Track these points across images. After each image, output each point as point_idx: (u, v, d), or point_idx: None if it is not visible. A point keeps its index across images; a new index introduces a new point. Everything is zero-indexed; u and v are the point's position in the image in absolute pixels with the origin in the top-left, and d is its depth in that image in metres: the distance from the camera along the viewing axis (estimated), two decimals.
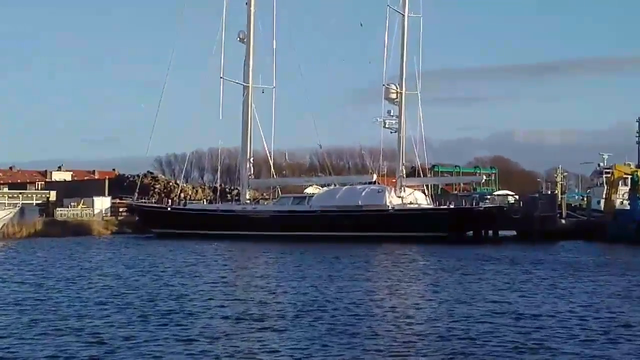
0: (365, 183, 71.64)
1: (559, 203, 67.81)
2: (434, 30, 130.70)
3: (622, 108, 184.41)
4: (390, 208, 66.63)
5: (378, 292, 29.22)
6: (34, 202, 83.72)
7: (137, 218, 77.02)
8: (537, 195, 68.24)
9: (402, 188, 70.78)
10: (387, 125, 72.22)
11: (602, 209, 65.67)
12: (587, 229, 63.65)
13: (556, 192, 70.09)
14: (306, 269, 37.70)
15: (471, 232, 67.10)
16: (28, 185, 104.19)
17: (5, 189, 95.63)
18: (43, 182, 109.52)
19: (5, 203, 73.88)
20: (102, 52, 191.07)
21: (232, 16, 73.63)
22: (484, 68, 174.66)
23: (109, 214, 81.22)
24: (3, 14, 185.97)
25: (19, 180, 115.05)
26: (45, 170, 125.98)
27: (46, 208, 79.67)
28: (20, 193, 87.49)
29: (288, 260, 43.24)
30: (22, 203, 77.90)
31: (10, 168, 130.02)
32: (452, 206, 67.11)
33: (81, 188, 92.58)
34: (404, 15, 72.10)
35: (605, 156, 68.84)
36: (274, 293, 28.25)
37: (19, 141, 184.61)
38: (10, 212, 66.08)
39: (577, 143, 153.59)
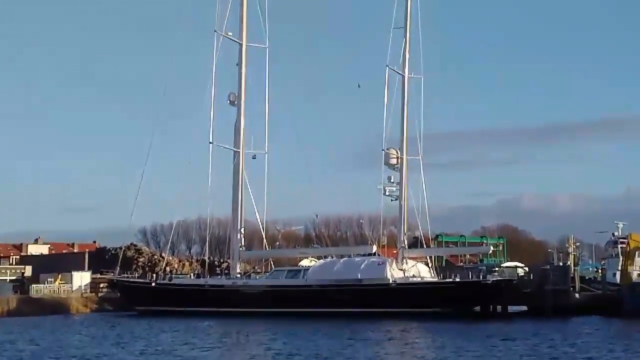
0: (364, 255, 67.80)
1: (572, 275, 63.81)
2: (436, 91, 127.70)
3: (632, 172, 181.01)
4: (391, 282, 63.18)
5: None
6: (8, 278, 79.48)
7: (119, 294, 72.35)
8: (548, 266, 64.26)
9: (404, 260, 67.15)
10: (387, 193, 68.54)
11: (618, 281, 61.66)
12: (602, 304, 59.71)
13: (569, 263, 66.17)
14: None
15: (479, 307, 63.03)
16: (1, 260, 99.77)
17: None
18: (18, 257, 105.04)
19: None
20: (82, 116, 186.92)
21: (222, 79, 70.04)
22: (489, 131, 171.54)
23: (88, 290, 76.76)
24: None
25: None
26: (21, 244, 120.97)
27: (21, 284, 75.23)
28: None
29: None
30: None
31: None
32: (457, 279, 63.38)
33: (59, 262, 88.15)
34: (404, 76, 68.90)
35: (620, 225, 65.09)
36: None
37: None
38: None
39: (587, 209, 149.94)
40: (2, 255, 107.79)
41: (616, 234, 65.80)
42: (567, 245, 70.48)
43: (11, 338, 43.54)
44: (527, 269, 68.86)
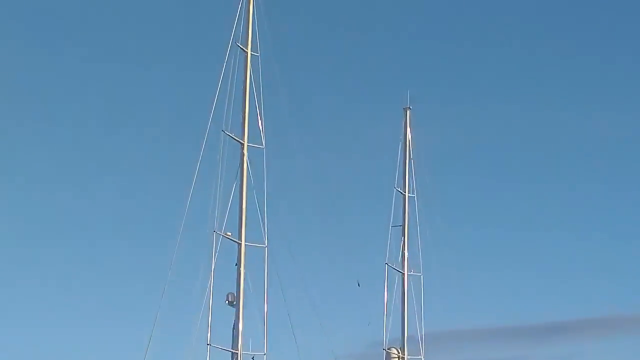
0: None
1: None
2: (437, 289, 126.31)
3: None
4: None
5: None
6: None
7: None
8: None
9: None
10: None
11: None
12: None
13: None
14: None
15: None
16: None
17: None
18: None
19: None
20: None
21: (220, 279, 69.55)
22: (491, 329, 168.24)
23: None
24: None
25: None
26: None
27: None
28: None
29: None
30: None
31: None
32: None
33: None
34: (403, 274, 68.35)
35: None
36: None
37: None
38: None
39: None
40: None
41: None
42: None
43: None
44: None
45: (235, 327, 77.61)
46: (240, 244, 77.15)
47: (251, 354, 77.11)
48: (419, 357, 67.24)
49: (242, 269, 75.06)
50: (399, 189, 64.90)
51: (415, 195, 66.40)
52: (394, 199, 68.59)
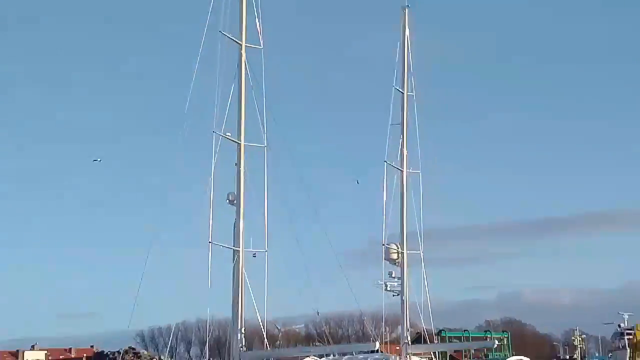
0: (367, 352, 66.10)
1: None
2: (436, 186, 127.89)
3: (631, 264, 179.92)
4: None
5: None
6: None
7: None
8: None
9: (408, 356, 65.24)
10: (388, 288, 67.41)
11: None
12: None
13: (575, 356, 65.06)
14: None
15: None
16: None
17: None
18: None
19: None
20: (77, 217, 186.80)
21: (221, 178, 70.10)
22: (489, 225, 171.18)
23: None
24: None
25: None
26: (17, 350, 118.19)
27: None
28: None
29: None
30: None
31: None
32: None
33: None
34: (402, 171, 69.03)
35: (626, 316, 64.52)
36: None
37: None
38: None
39: (589, 302, 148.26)
40: None
41: (622, 325, 65.00)
42: (572, 338, 69.52)
43: None
44: None
45: (236, 225, 78.86)
46: (239, 144, 77.55)
47: (252, 251, 78.35)
48: (418, 252, 68.68)
49: (241, 168, 75.77)
50: (398, 88, 64.84)
51: (414, 93, 66.26)
52: (392, 97, 68.78)
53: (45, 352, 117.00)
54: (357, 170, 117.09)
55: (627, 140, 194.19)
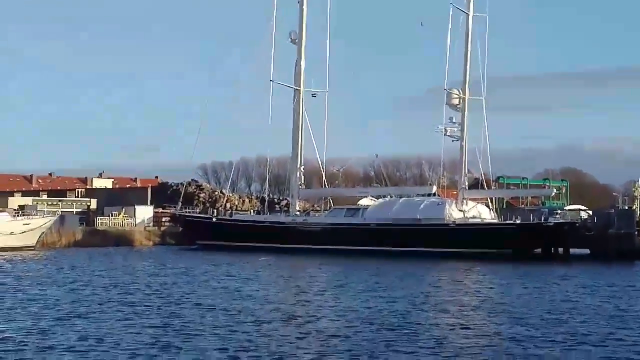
0: (424, 195, 67.19)
1: (637, 219, 62.45)
2: (500, 32, 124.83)
3: None
4: (451, 222, 62.58)
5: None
6: (74, 210, 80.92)
7: (180, 229, 73.42)
8: (612, 210, 62.99)
9: (464, 201, 66.31)
10: (448, 133, 67.54)
11: None
12: None
13: (634, 207, 64.73)
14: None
15: (539, 249, 62.21)
16: (68, 192, 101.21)
17: (45, 196, 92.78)
18: (83, 190, 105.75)
19: (44, 211, 70.80)
20: (146, 59, 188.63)
21: (283, 16, 69.35)
22: (554, 75, 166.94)
23: (151, 224, 77.77)
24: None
25: (58, 187, 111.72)
26: (86, 177, 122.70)
27: (87, 217, 76.54)
28: (59, 200, 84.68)
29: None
30: (62, 211, 75.05)
31: (50, 174, 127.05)
32: (518, 221, 62.25)
33: (123, 196, 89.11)
34: (468, 15, 67.36)
35: None
36: None
37: (59, 147, 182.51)
38: (50, 220, 63.04)
39: None
40: (68, 188, 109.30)
41: None
42: (632, 189, 69.10)
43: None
44: (590, 212, 67.54)
45: (297, 64, 78.77)
46: None
47: (313, 91, 78.44)
48: (480, 98, 68.05)
49: (304, 6, 74.39)
50: None
51: None
52: None
53: (112, 180, 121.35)
54: (422, 13, 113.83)
55: None
